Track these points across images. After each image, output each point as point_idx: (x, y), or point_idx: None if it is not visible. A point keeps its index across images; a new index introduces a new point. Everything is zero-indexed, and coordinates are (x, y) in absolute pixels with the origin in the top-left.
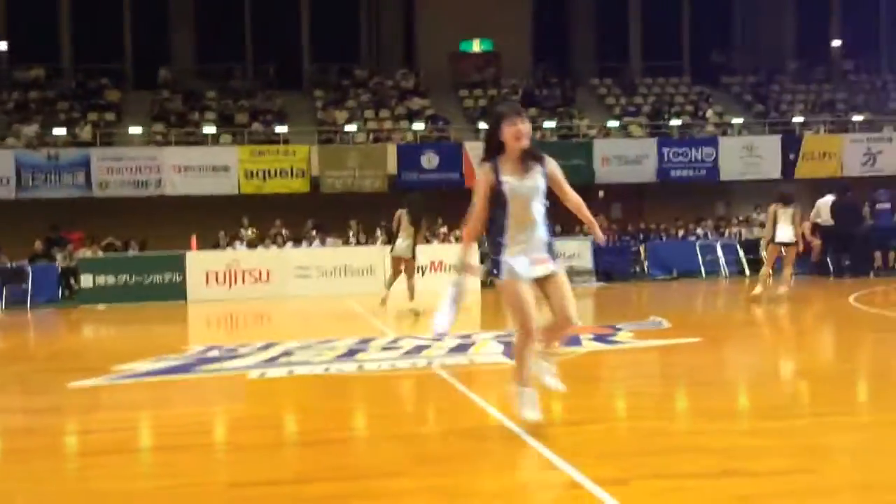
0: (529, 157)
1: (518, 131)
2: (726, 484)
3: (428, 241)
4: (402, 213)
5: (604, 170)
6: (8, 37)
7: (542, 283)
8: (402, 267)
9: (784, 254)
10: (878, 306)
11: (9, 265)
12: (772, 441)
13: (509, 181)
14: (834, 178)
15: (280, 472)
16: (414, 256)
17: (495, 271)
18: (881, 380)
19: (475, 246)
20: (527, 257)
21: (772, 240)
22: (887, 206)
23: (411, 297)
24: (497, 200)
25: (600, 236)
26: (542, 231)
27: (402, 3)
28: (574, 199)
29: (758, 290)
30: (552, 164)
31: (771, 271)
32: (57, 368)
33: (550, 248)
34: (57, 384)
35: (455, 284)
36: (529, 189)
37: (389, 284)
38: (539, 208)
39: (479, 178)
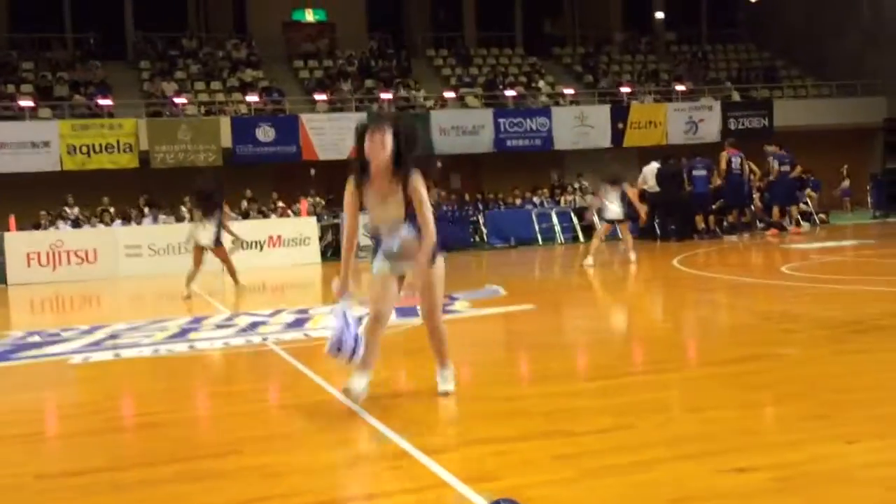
0: (393, 172)
1: (368, 147)
2: (550, 444)
3: (265, 215)
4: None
5: (442, 140)
6: None
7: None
8: (205, 257)
9: (618, 228)
10: (699, 268)
11: None
12: (593, 401)
13: (371, 208)
14: (660, 146)
15: (100, 459)
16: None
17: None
18: (699, 338)
19: (352, 261)
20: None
21: (602, 217)
22: (703, 172)
23: (235, 280)
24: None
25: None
26: (413, 242)
27: None
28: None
29: (589, 260)
30: (416, 181)
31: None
32: None
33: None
34: None
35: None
36: (387, 219)
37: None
38: (396, 217)
39: (346, 196)
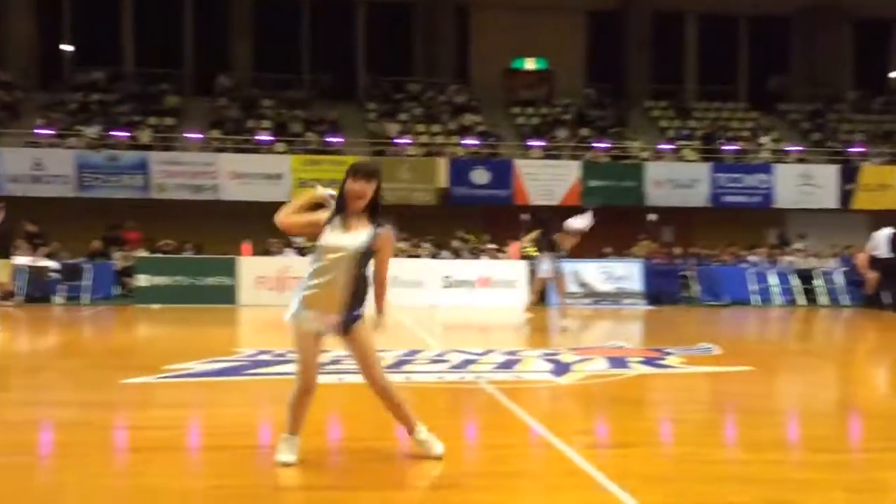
0: (369, 218)
1: (357, 190)
2: None
3: (475, 256)
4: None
5: (655, 192)
6: (73, 40)
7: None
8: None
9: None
10: None
11: (68, 261)
12: (822, 474)
13: (327, 236)
14: (892, 211)
15: (326, 477)
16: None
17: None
18: None
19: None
20: (313, 314)
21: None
22: None
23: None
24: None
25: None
26: (344, 292)
27: (457, 18)
28: (379, 277)
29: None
30: (383, 236)
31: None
32: (111, 365)
33: (352, 310)
34: (110, 380)
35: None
36: (343, 247)
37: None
38: (348, 270)
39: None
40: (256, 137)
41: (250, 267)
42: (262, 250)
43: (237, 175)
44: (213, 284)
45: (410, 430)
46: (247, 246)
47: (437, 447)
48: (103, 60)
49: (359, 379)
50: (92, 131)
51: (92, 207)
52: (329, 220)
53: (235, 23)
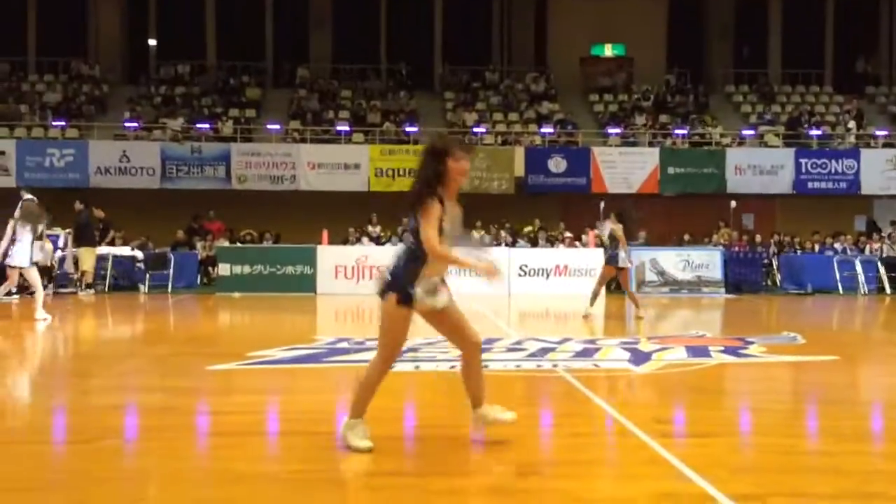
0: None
1: (464, 168)
2: None
3: (552, 244)
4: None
5: (737, 179)
6: (157, 34)
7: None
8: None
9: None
10: None
11: (153, 251)
12: None
13: (447, 230)
14: None
15: (407, 463)
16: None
17: (402, 296)
18: None
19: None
20: (436, 293)
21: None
22: None
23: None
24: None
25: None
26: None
27: (535, 6)
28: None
29: None
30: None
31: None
32: (195, 352)
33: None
34: (195, 367)
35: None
36: (455, 230)
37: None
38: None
39: (433, 213)
40: (335, 128)
41: (328, 256)
42: (341, 239)
43: (316, 165)
44: (293, 273)
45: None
46: (325, 235)
47: (504, 416)
48: (187, 54)
49: (434, 367)
50: (176, 123)
51: (176, 198)
52: (441, 205)
53: (314, 15)
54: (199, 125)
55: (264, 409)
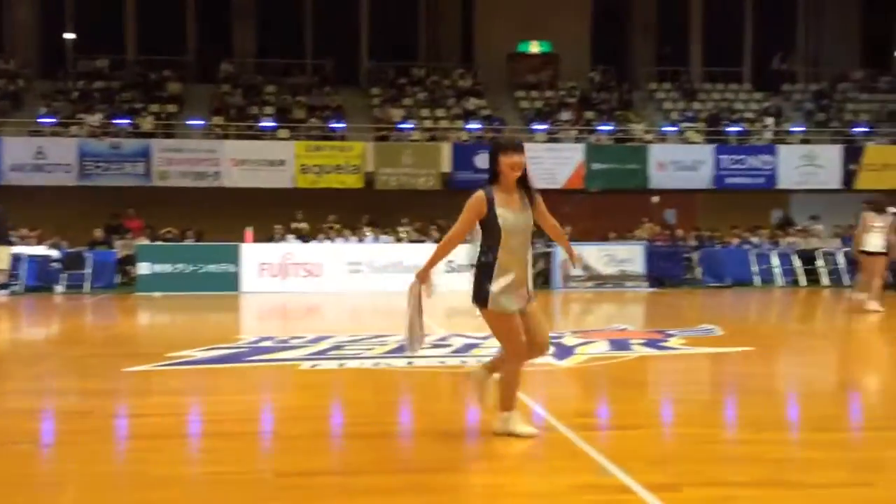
0: (523, 190)
1: (514, 162)
2: (779, 495)
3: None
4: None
5: (659, 175)
6: (75, 28)
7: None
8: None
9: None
10: None
11: (68, 250)
12: (825, 453)
13: (504, 215)
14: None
15: (328, 462)
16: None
17: (481, 299)
18: None
19: (440, 264)
20: (511, 296)
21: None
22: None
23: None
24: (490, 232)
25: (576, 260)
26: (528, 267)
27: (461, 2)
28: (555, 227)
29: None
30: (539, 199)
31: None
32: (112, 353)
33: (529, 284)
34: (112, 368)
35: (410, 298)
36: (525, 224)
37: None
38: (528, 244)
39: (471, 204)
40: (259, 124)
41: (253, 254)
42: (266, 237)
43: (240, 162)
44: (216, 272)
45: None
46: (249, 233)
47: (523, 429)
48: (105, 48)
49: (359, 364)
50: (94, 119)
51: (94, 196)
52: (486, 201)
53: (237, 8)
54: (118, 121)
55: (184, 411)
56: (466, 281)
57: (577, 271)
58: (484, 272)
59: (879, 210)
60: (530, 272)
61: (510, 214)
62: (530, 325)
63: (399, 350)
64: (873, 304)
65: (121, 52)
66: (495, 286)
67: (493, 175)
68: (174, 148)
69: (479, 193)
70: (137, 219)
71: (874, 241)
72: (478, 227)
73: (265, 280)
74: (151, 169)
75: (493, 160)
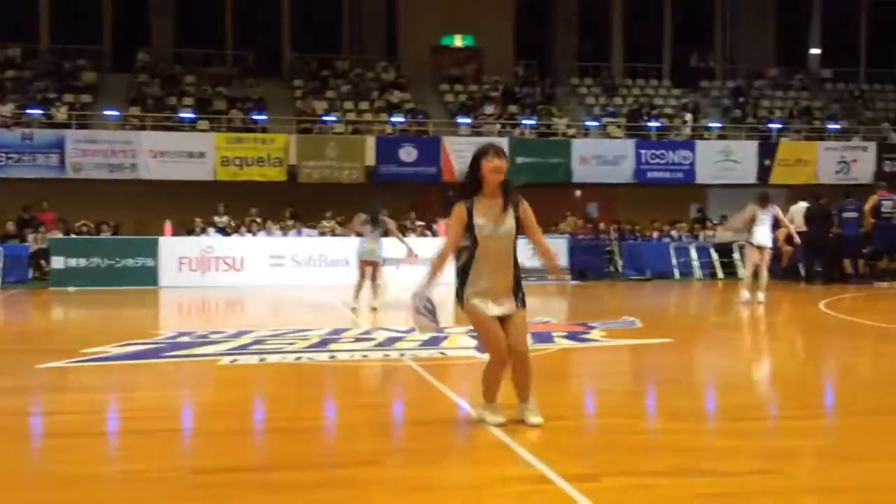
0: (506, 196)
1: (495, 166)
2: (693, 483)
3: (403, 234)
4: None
5: (581, 169)
6: None
7: (501, 320)
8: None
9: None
10: (846, 312)
11: None
12: (739, 441)
13: (481, 225)
14: (808, 185)
15: (247, 458)
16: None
17: (460, 298)
18: (848, 384)
19: (436, 280)
20: (486, 300)
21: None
22: (854, 214)
23: (376, 295)
24: (468, 240)
25: (554, 273)
26: (508, 274)
27: None
28: (541, 242)
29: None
30: (525, 206)
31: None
32: (25, 350)
33: (516, 290)
34: (24, 365)
35: (415, 300)
36: (501, 236)
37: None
38: (509, 253)
39: (454, 217)
40: (178, 115)
41: (171, 247)
42: (186, 230)
43: (158, 153)
44: (133, 266)
45: (524, 399)
46: (168, 226)
47: (536, 418)
48: (18, 36)
49: (281, 358)
50: (5, 109)
51: (5, 188)
52: (466, 210)
53: None
54: (30, 111)
55: (99, 408)
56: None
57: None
58: (461, 275)
59: (764, 204)
60: (510, 282)
61: (488, 224)
62: (509, 332)
63: (321, 344)
64: (759, 296)
65: (34, 40)
66: (469, 289)
67: (475, 182)
68: (89, 139)
69: (459, 204)
70: (51, 212)
71: (759, 234)
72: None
73: (185, 274)
74: (66, 160)
75: (475, 166)
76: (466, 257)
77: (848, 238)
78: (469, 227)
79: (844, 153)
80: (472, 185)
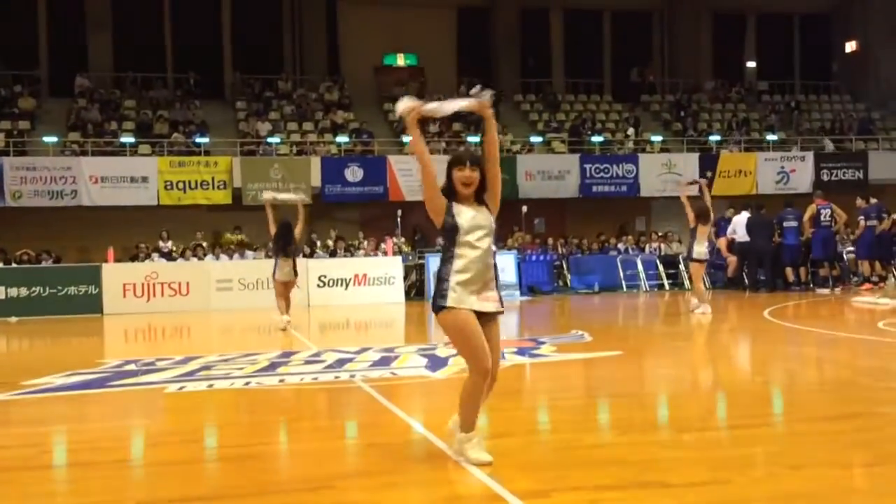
0: (479, 198)
1: (465, 177)
2: (643, 496)
3: (351, 254)
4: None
5: (527, 185)
6: None
7: (482, 322)
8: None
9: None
10: (789, 320)
11: None
12: (689, 453)
13: (460, 211)
14: (749, 196)
15: (197, 488)
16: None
17: (436, 306)
18: (793, 392)
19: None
20: (470, 294)
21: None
22: (794, 224)
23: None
24: (449, 233)
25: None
26: (490, 272)
27: (326, 14)
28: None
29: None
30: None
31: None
32: None
33: (497, 288)
34: None
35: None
36: (484, 221)
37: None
38: (489, 252)
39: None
40: (119, 140)
41: (115, 274)
42: (130, 256)
43: (99, 179)
44: (75, 294)
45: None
46: (111, 252)
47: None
48: None
49: (230, 384)
50: None
51: None
52: (447, 209)
53: (92, 19)
54: None
55: (42, 441)
56: (361, 296)
57: None
58: (442, 274)
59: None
60: (492, 276)
61: (468, 211)
62: (490, 348)
63: (270, 368)
64: (704, 308)
65: None
66: (453, 279)
67: (449, 190)
68: (27, 166)
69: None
70: None
71: (700, 248)
72: (440, 240)
73: (129, 301)
74: (4, 188)
75: (447, 174)
76: (442, 262)
77: (789, 247)
78: (447, 222)
79: (783, 163)
80: (447, 191)
